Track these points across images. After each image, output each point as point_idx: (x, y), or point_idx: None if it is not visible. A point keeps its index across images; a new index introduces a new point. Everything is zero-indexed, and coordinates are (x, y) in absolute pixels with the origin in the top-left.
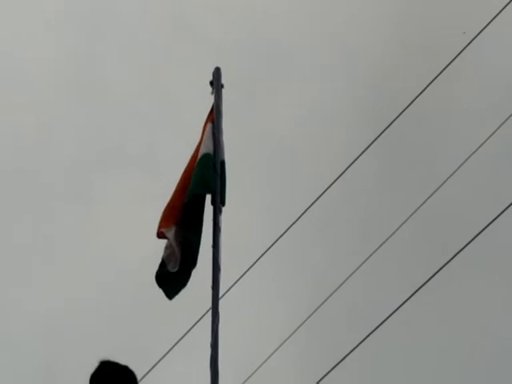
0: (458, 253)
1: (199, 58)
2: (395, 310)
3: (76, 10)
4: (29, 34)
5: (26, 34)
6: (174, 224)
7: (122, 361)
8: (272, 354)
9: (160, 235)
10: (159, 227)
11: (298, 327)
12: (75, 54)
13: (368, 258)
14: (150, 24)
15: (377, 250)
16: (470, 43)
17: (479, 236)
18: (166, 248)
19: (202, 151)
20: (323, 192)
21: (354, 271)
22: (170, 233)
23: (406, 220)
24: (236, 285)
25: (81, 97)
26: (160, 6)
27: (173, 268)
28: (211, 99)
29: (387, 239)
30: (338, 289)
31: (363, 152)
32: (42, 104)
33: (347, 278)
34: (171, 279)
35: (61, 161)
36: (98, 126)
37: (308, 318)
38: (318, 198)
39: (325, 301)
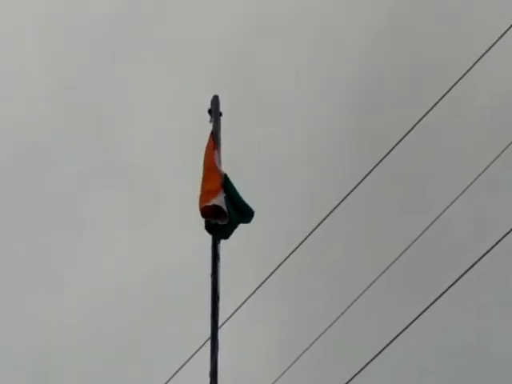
0: (449, 288)
1: (198, 85)
2: (388, 344)
3: (74, 27)
4: (28, 43)
5: (26, 43)
6: (221, 191)
7: None
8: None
9: (205, 211)
10: (203, 203)
11: (299, 357)
12: (68, 72)
13: (366, 289)
14: (149, 48)
15: (379, 277)
16: (466, 73)
17: (473, 268)
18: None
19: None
20: (319, 224)
21: (354, 301)
22: (220, 199)
23: (401, 255)
24: (236, 313)
25: (75, 116)
26: (159, 32)
27: (222, 221)
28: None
29: (384, 271)
30: (338, 318)
31: (359, 183)
32: (33, 122)
33: (347, 308)
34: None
35: (51, 179)
36: (91, 146)
37: (310, 345)
38: (314, 229)
39: (325, 330)
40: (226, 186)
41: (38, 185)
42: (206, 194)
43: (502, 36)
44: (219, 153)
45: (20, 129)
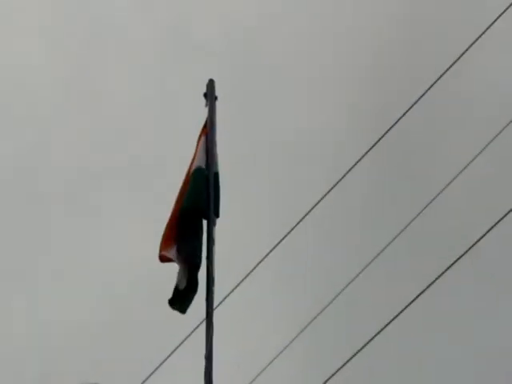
0: (454, 263)
1: (195, 69)
2: (394, 318)
3: (74, 19)
4: (27, 42)
5: (27, 42)
6: (174, 242)
7: (117, 372)
8: (267, 367)
9: (162, 259)
10: (160, 251)
11: (293, 339)
12: (74, 63)
13: (365, 267)
14: (149, 35)
15: (374, 259)
16: (467, 50)
17: (475, 246)
18: (178, 272)
19: (195, 165)
20: (317, 203)
21: (351, 281)
22: (172, 252)
23: (405, 228)
24: (230, 296)
25: (81, 108)
26: (157, 18)
27: (181, 286)
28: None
29: (383, 249)
30: (334, 299)
31: (359, 160)
32: (41, 114)
33: (344, 288)
34: (181, 296)
35: (61, 173)
36: (98, 138)
37: (303, 330)
38: (311, 209)
39: (320, 312)
40: (193, 181)
41: (40, 179)
42: (164, 239)
43: None
44: (213, 138)
45: (27, 118)
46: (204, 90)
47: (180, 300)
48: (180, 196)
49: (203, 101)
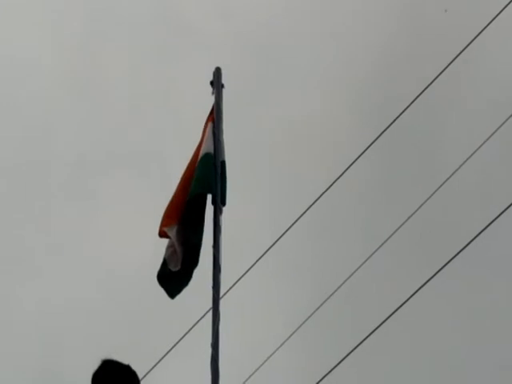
0: (454, 257)
1: (200, 57)
2: (393, 313)
3: (76, 9)
4: (30, 33)
5: (28, 33)
6: (176, 223)
7: (122, 361)
8: (272, 354)
9: (162, 234)
10: (161, 226)
11: (299, 326)
12: (77, 53)
13: (367, 258)
14: (151, 24)
15: (377, 250)
16: (471, 42)
17: (476, 240)
18: (168, 247)
19: (203, 151)
20: (322, 193)
21: (354, 272)
22: (172, 232)
23: (406, 221)
24: (237, 285)
25: (82, 97)
26: (161, 6)
27: (174, 267)
28: (212, 99)
29: (386, 241)
30: (338, 288)
31: (363, 152)
32: (43, 105)
33: (347, 279)
34: (173, 278)
35: (62, 162)
36: (99, 127)
37: (309, 317)
38: (316, 200)
39: (326, 300)
40: (202, 166)
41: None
42: (167, 215)
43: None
44: (220, 126)
45: (30, 109)
46: (204, 80)
47: (171, 280)
48: (186, 179)
49: (204, 92)
